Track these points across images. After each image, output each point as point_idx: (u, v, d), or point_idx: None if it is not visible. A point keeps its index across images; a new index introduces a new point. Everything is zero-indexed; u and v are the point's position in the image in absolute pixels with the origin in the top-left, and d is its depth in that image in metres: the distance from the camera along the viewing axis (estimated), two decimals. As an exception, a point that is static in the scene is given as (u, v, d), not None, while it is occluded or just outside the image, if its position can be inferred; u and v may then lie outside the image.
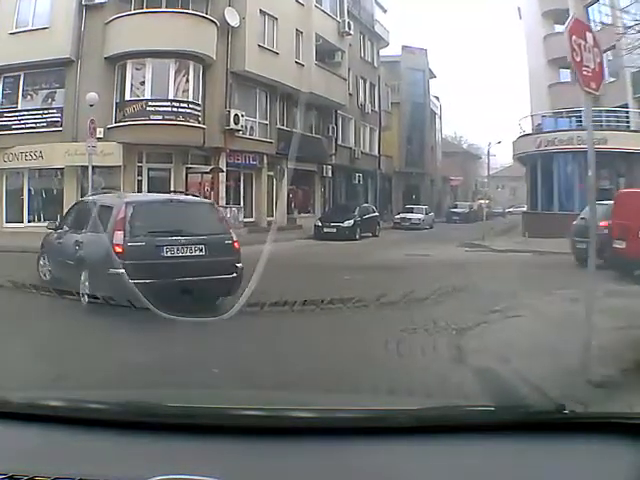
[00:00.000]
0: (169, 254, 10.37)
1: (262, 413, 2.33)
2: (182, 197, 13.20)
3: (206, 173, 29.02)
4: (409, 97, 56.06)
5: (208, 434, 2.13)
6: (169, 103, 27.47)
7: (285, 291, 10.10)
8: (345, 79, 39.24)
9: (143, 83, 27.44)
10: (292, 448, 2.08)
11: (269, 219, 32.23)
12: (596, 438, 2.08)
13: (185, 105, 27.94)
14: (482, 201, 60.63)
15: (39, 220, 26.42)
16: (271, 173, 33.48)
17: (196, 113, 28.12)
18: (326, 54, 36.84)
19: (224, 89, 29.96)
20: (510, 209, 71.40)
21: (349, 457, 2.04)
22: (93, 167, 23.24)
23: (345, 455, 2.04)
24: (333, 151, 39.28)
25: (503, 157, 70.10)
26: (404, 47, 56.86)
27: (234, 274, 10.57)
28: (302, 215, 36.02)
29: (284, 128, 33.51)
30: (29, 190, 27.96)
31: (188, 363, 6.76)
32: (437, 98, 64.59)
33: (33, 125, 27.67)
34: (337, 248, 25.44)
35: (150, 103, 27.15)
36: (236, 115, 29.60)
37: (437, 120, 65.25)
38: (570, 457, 2.05)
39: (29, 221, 27.69)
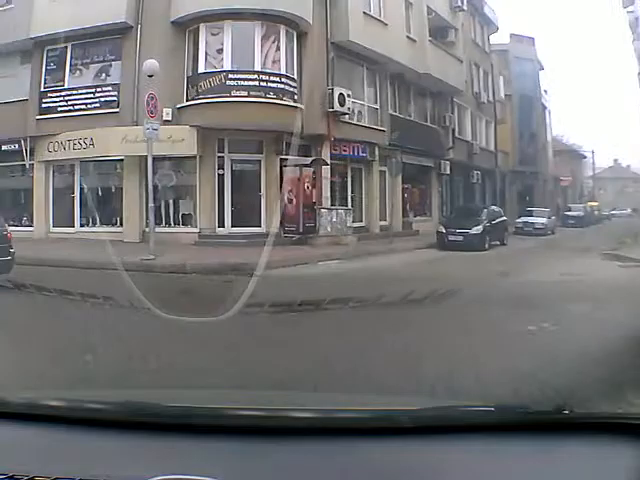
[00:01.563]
0: None
1: (262, 413, 2.30)
2: None
3: (306, 166, 23.45)
4: (518, 89, 50.48)
5: (208, 434, 2.12)
6: (255, 76, 22.07)
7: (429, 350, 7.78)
8: (461, 61, 34.18)
9: (221, 51, 22.23)
10: (292, 448, 2.06)
11: (382, 223, 27.72)
12: (596, 438, 2.06)
13: (276, 79, 22.48)
14: (592, 203, 57.20)
15: (93, 224, 22.95)
16: (383, 168, 27.88)
17: (291, 90, 22.90)
18: (438, 32, 32.23)
19: (324, 62, 24.44)
20: (614, 211, 68.11)
21: (349, 457, 2.03)
22: (161, 158, 20.19)
23: (345, 455, 2.03)
24: (450, 144, 34.21)
25: (603, 158, 62.53)
26: (512, 35, 51.63)
27: (9, 257, 13.02)
28: (418, 218, 31.21)
29: (397, 114, 29.06)
30: (81, 187, 23.66)
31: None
32: (546, 92, 59.48)
33: (83, 106, 23.20)
34: (471, 262, 21.00)
35: (231, 76, 21.89)
36: (341, 94, 24.28)
37: (547, 115, 59.73)
38: (570, 457, 2.03)
39: (81, 225, 23.67)
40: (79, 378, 5.54)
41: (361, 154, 26.74)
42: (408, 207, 30.71)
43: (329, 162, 24.38)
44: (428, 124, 32.00)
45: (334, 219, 23.52)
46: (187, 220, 22.82)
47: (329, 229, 23.15)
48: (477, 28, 41.01)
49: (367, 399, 3.15)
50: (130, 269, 14.63)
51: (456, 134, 35.22)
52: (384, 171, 27.98)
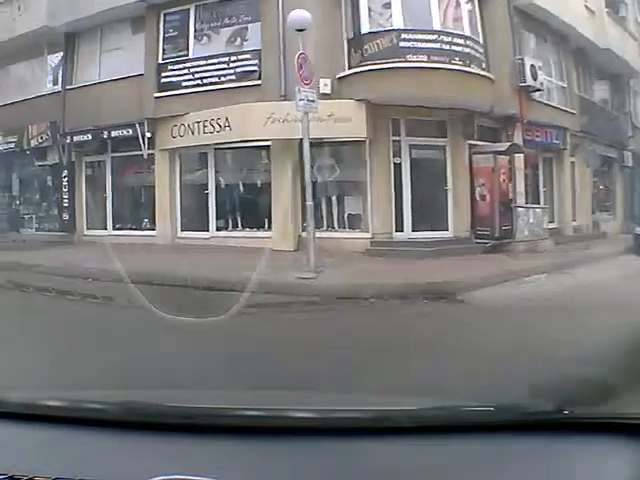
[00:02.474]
0: None
1: (262, 413, 2.18)
2: None
3: (501, 153, 18.14)
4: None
5: (208, 434, 2.04)
6: (436, 36, 16.65)
7: None
8: (636, 39, 28.99)
9: (389, 6, 16.84)
10: (292, 448, 1.99)
11: (574, 224, 23.26)
12: (596, 438, 1.95)
13: (461, 41, 17.00)
14: None
15: (234, 228, 18.33)
16: (573, 159, 23.50)
17: (478, 56, 17.61)
18: (610, 6, 27.22)
19: (509, 27, 19.15)
20: None
21: (349, 457, 1.95)
22: (319, 142, 15.49)
23: (345, 455, 1.95)
24: (630, 133, 29.11)
25: None
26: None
27: None
28: (603, 217, 26.41)
29: (584, 96, 24.86)
30: (216, 181, 18.70)
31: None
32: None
33: (215, 79, 18.20)
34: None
35: (404, 36, 16.52)
36: (532, 66, 19.41)
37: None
38: (570, 457, 1.92)
39: (218, 229, 18.72)
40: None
41: (554, 140, 22.22)
42: (595, 204, 26.47)
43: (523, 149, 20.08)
44: (609, 109, 27.95)
45: (531, 220, 18.85)
46: (355, 222, 17.71)
47: (526, 232, 18.55)
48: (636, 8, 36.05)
49: (367, 399, 2.95)
50: (283, 292, 10.89)
51: (634, 122, 31.08)
52: (573, 162, 23.97)
